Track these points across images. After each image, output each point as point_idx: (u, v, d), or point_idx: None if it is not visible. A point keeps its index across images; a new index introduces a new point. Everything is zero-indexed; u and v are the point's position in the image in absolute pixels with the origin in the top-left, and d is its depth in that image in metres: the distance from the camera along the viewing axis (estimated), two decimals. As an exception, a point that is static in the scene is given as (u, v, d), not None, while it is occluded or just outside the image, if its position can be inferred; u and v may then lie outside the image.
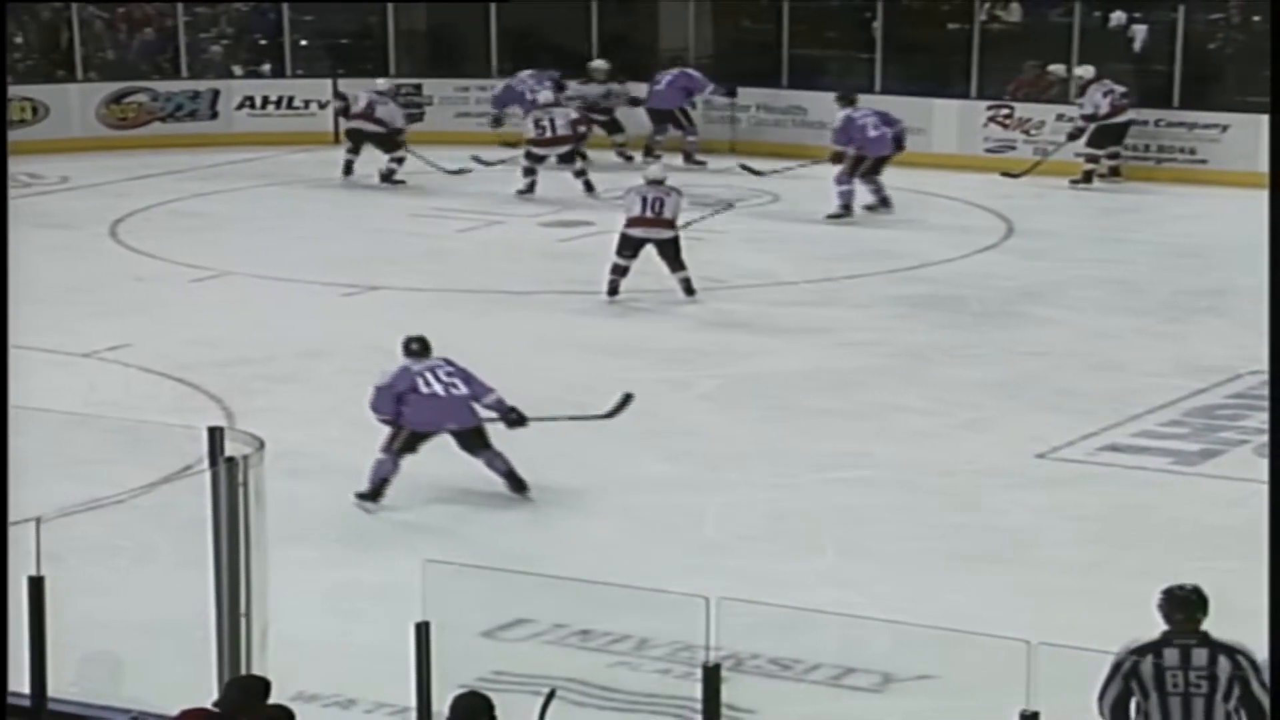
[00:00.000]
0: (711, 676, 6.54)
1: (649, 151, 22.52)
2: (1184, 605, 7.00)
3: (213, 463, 7.48)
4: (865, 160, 19.86)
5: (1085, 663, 7.00)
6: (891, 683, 9.00)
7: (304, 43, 25.08)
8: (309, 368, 14.56)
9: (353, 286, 17.05)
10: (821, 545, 11.02)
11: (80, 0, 24.33)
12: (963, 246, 18.61)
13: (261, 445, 7.59)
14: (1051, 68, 22.81)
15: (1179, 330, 15.66)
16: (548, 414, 12.02)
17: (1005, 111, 22.69)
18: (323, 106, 24.22)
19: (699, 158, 22.63)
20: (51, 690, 7.55)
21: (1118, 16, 22.99)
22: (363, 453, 12.46)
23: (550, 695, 6.90)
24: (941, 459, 12.52)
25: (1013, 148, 22.54)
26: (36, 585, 7.39)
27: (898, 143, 20.14)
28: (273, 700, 6.98)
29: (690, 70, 23.33)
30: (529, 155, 21.19)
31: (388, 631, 7.17)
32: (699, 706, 6.56)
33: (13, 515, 8.84)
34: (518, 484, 11.64)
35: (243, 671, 7.42)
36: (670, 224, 16.51)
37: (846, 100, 20.47)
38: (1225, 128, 21.24)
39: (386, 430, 11.74)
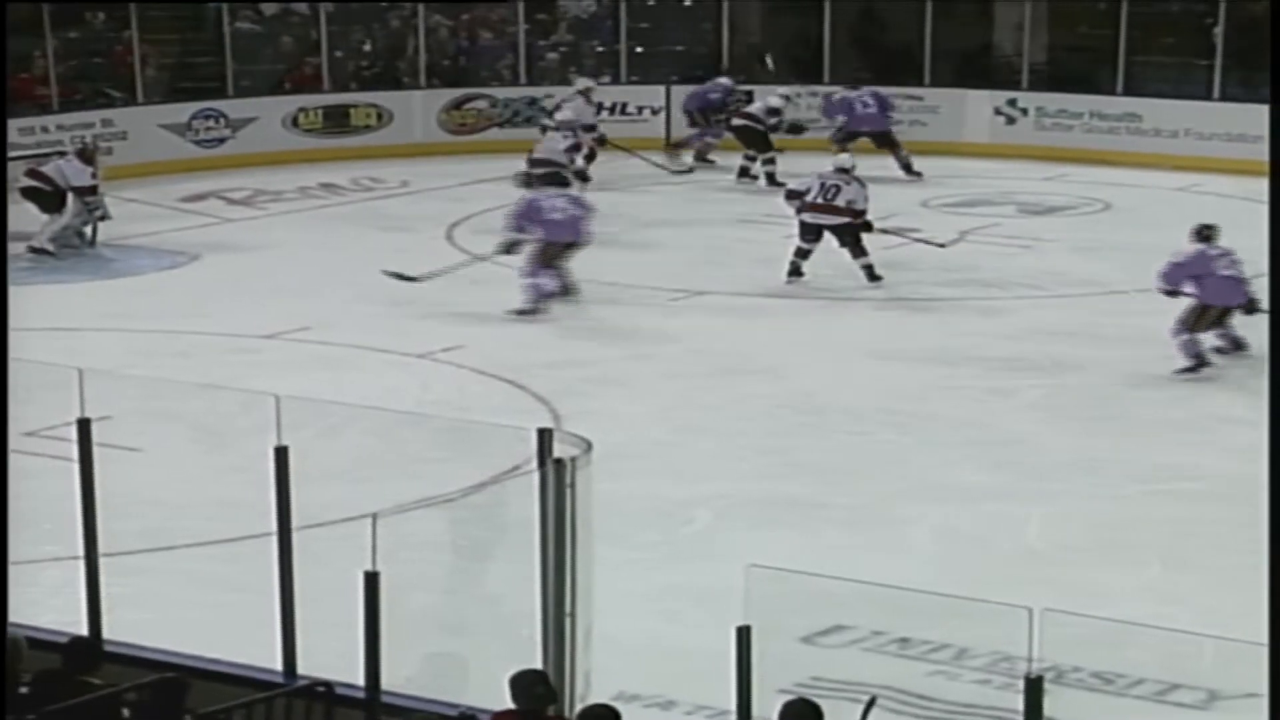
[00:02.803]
0: (1034, 688, 6.48)
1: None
2: None
3: (541, 463, 7.60)
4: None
5: None
6: (1217, 700, 8.85)
7: (639, 49, 25.39)
8: (635, 371, 14.74)
9: (680, 291, 17.21)
10: (1146, 558, 10.85)
11: (426, 0, 24.95)
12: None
13: (589, 447, 7.71)
14: (1401, 71, 22.13)
15: None
16: None
17: None
18: (655, 113, 24.51)
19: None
20: (385, 683, 7.74)
21: None
22: (686, 455, 12.60)
23: (871, 702, 6.91)
24: (1266, 471, 12.22)
25: (1355, 154, 21.92)
26: (372, 580, 7.56)
27: None
28: (594, 699, 7.10)
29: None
30: None
31: (709, 634, 7.22)
32: (1019, 718, 6.51)
33: (347, 511, 9.13)
34: None
35: (567, 670, 7.53)
36: (843, 210, 16.84)
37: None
38: None
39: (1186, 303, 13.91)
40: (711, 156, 23.33)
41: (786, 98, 22.71)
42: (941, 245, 17.23)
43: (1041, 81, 24.15)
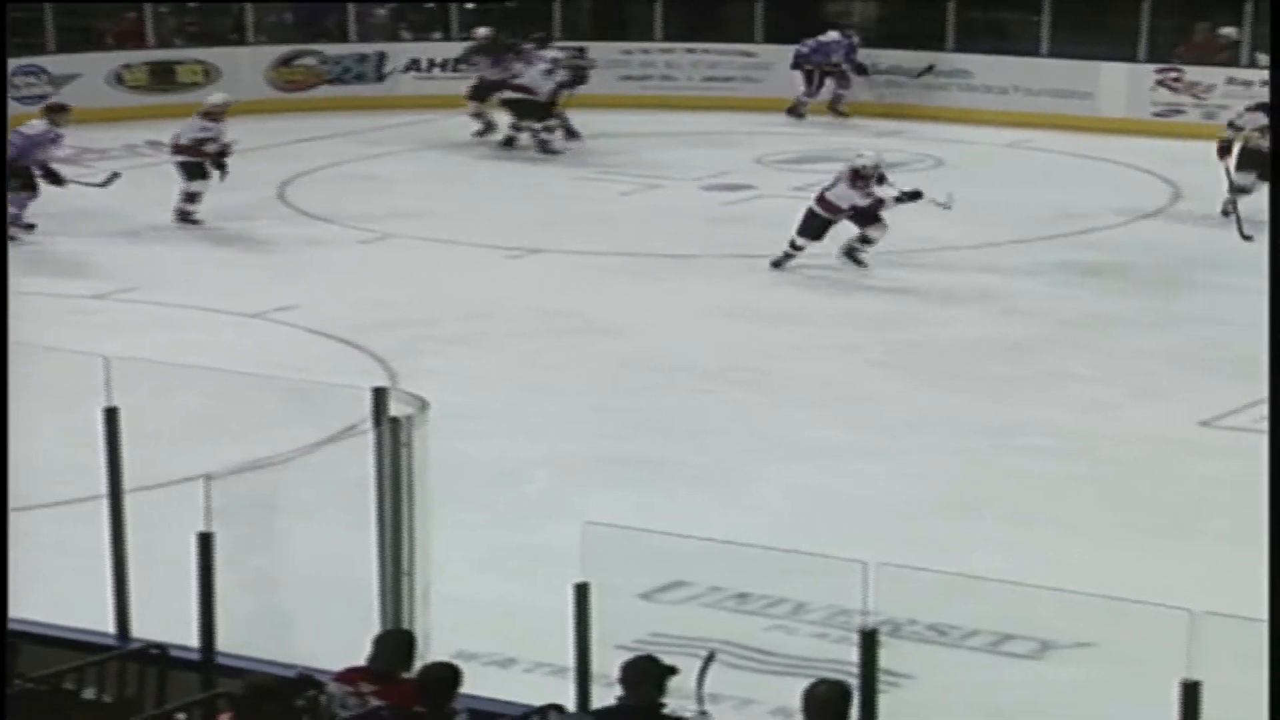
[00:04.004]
0: (869, 641, 6.54)
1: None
2: None
3: (377, 423, 7.56)
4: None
5: (1250, 634, 6.92)
6: (1050, 650, 8.96)
7: (470, 5, 25.22)
8: (474, 330, 14.68)
9: (516, 249, 17.16)
10: (990, 513, 10.96)
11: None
12: (1129, 212, 18.41)
13: (425, 406, 7.67)
14: (1223, 30, 22.48)
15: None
16: None
17: (1174, 75, 22.41)
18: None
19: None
20: (220, 644, 7.68)
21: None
22: (528, 415, 12.57)
23: (710, 657, 6.94)
24: (1112, 427, 12.42)
25: (1181, 111, 22.27)
26: (206, 541, 7.51)
27: None
28: (434, 658, 7.08)
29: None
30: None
31: (548, 592, 7.22)
32: (856, 670, 6.56)
33: (182, 473, 9.02)
34: None
35: (406, 629, 7.51)
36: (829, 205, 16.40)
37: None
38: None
39: None
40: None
41: (555, 60, 22.02)
42: (947, 206, 16.80)
43: (873, 38, 24.28)
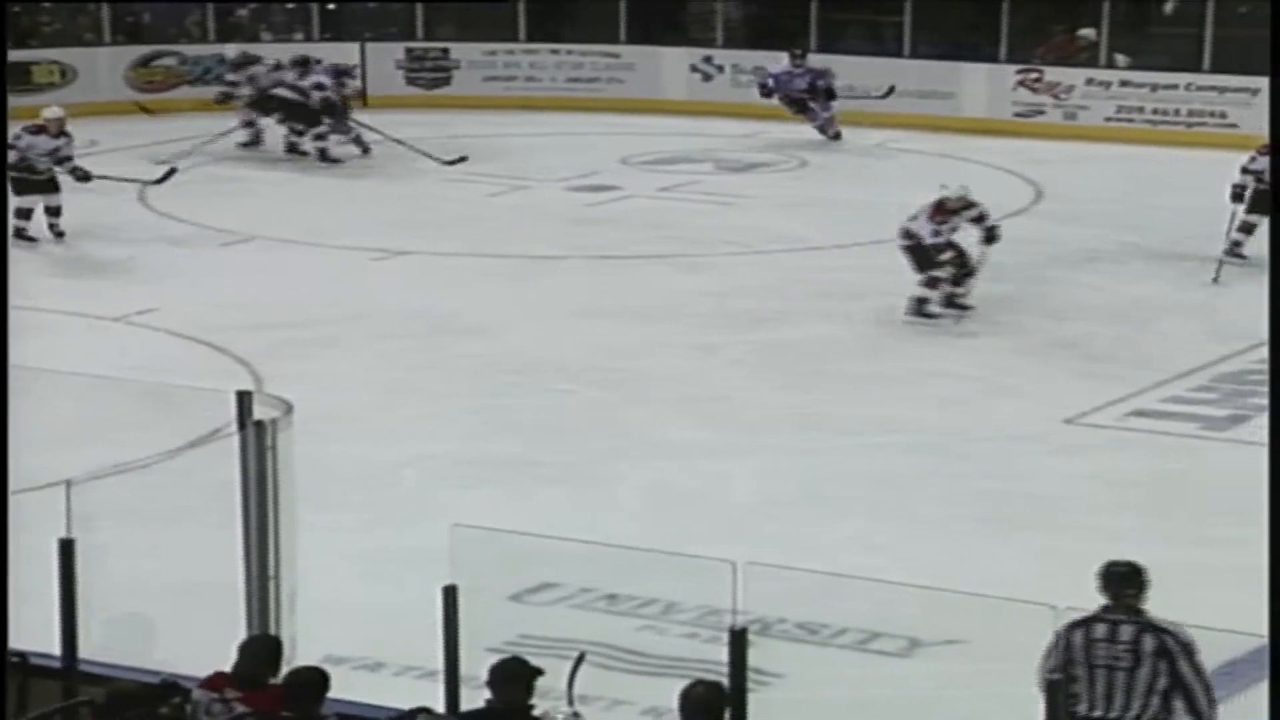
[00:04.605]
0: (738, 640, 6.55)
1: None
2: (1114, 581, 7.07)
3: (241, 426, 7.48)
4: None
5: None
6: (918, 647, 9.01)
7: (331, 6, 25.07)
8: (339, 332, 14.58)
9: (382, 251, 17.07)
10: (854, 510, 11.01)
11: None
12: (992, 212, 18.55)
13: (290, 409, 7.60)
14: (1081, 31, 22.73)
15: (1208, 296, 15.61)
16: None
17: (1034, 75, 22.63)
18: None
19: None
20: (82, 651, 7.58)
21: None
22: (393, 417, 12.51)
23: (580, 659, 6.92)
24: (972, 424, 12.51)
25: (1042, 112, 22.50)
26: (67, 547, 7.41)
27: None
28: (301, 663, 7.02)
29: None
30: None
31: (416, 595, 7.18)
32: (726, 670, 6.57)
33: (45, 478, 8.88)
34: None
35: (272, 634, 7.44)
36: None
37: None
38: (1256, 91, 21.15)
39: None
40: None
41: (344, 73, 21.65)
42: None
43: (737, 39, 24.37)
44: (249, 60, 22.02)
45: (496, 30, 24.78)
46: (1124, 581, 7.08)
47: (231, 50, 22.75)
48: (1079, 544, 10.30)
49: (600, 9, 24.70)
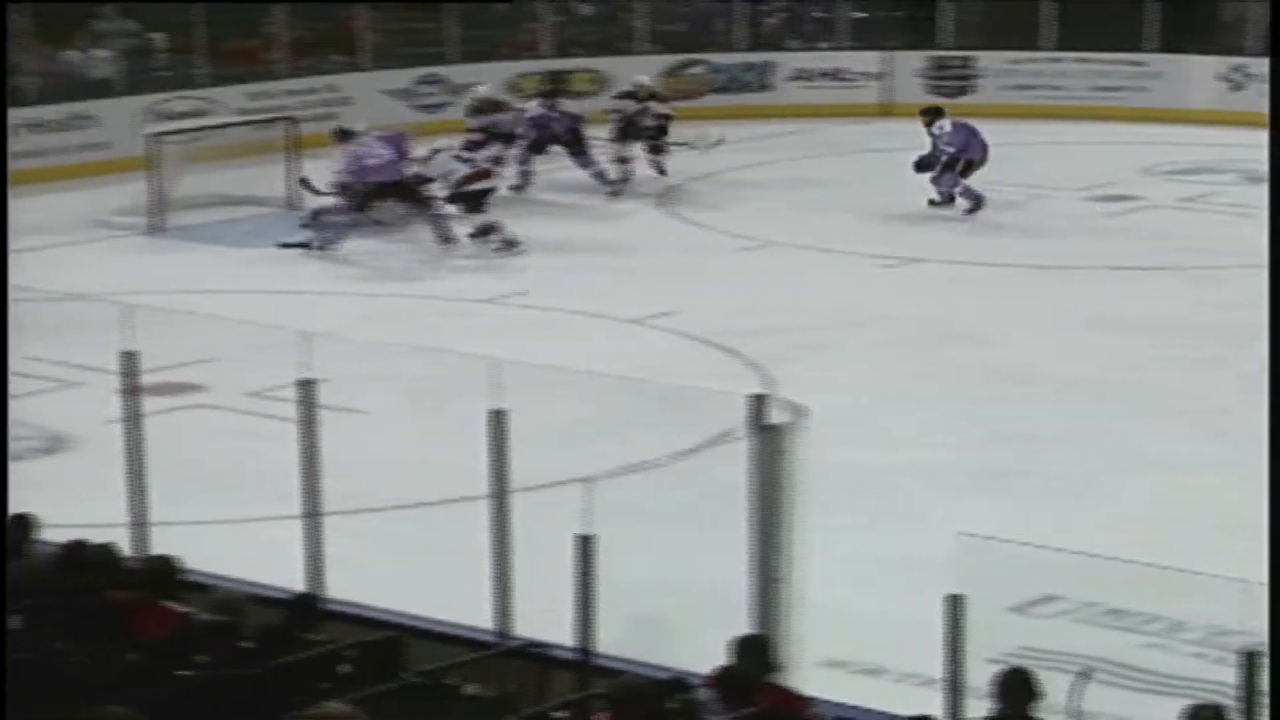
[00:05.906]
0: (1250, 662, 6.39)
1: None
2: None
3: (754, 430, 7.59)
4: None
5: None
6: None
7: (860, 15, 25.27)
8: (848, 338, 14.70)
9: (894, 259, 17.13)
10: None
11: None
12: None
13: (803, 414, 7.69)
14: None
15: None
16: None
17: None
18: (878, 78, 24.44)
19: None
20: (599, 645, 7.78)
21: None
22: (892, 422, 12.55)
23: (1085, 673, 6.84)
24: None
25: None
26: (585, 543, 7.59)
27: None
28: (801, 666, 7.10)
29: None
30: None
31: (915, 602, 7.20)
32: (1234, 692, 6.43)
33: (556, 475, 9.20)
34: None
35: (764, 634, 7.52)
36: None
37: None
38: None
39: None
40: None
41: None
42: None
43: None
44: (493, 105, 20.98)
45: (1022, 38, 24.60)
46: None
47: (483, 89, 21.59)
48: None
49: (1128, 11, 24.29)
